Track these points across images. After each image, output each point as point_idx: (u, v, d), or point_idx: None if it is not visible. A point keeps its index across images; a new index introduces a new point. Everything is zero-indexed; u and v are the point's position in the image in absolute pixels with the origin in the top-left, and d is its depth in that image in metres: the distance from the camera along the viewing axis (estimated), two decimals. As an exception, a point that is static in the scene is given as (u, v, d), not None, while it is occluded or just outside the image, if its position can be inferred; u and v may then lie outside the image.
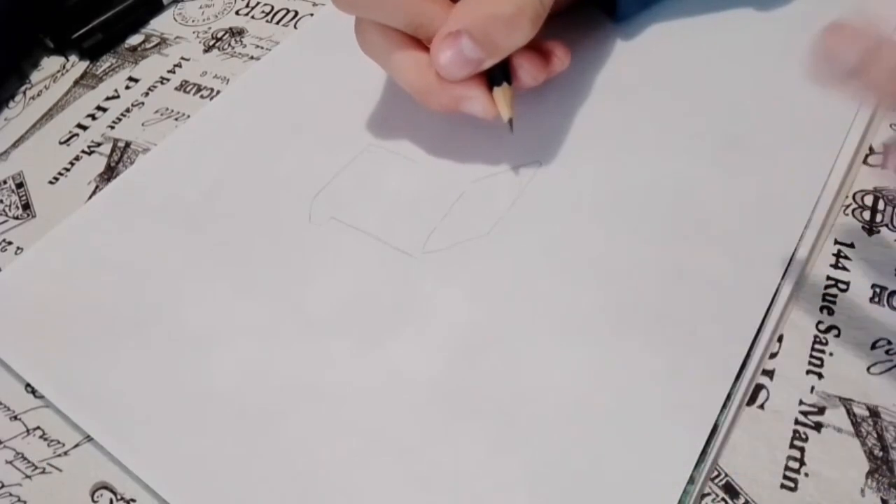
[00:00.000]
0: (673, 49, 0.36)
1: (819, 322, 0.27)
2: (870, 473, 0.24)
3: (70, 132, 0.40)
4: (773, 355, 0.27)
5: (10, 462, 0.28)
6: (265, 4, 0.45)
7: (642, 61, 0.36)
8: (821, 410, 0.25)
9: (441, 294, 0.29)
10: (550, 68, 0.31)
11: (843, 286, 0.28)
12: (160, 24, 0.45)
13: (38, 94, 0.42)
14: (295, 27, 0.43)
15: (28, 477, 0.28)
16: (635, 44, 0.36)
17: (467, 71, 0.29)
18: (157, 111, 0.40)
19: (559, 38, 0.31)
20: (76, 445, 0.28)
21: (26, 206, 0.37)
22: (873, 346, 0.26)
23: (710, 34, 0.36)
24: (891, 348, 0.26)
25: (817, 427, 0.25)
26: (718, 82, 0.34)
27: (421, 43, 0.30)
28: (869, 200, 0.30)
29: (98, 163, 0.38)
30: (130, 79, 0.42)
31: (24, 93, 0.43)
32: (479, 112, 0.30)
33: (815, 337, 0.27)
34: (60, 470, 0.28)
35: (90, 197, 0.36)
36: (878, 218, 0.30)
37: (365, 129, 0.35)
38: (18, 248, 0.35)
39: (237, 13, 0.45)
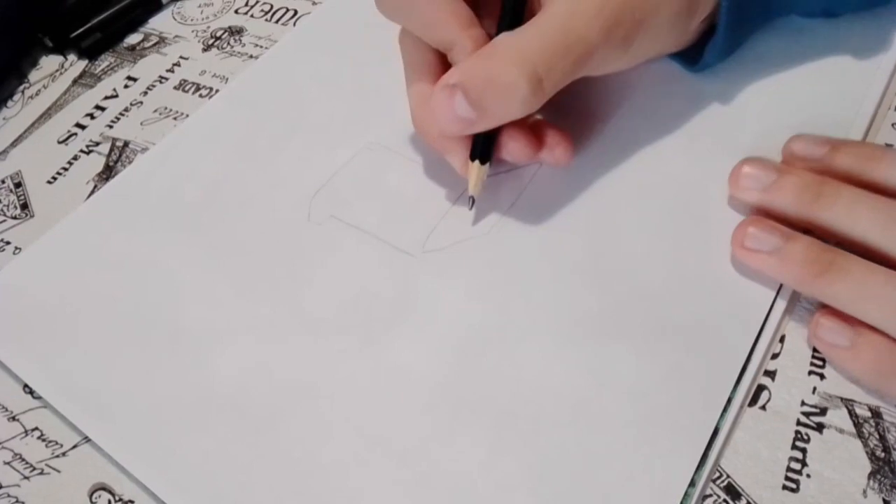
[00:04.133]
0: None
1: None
2: (872, 474, 0.24)
3: (68, 131, 0.40)
4: (774, 356, 0.27)
5: (9, 463, 0.28)
6: (264, 3, 0.45)
7: (646, 65, 0.35)
8: (823, 411, 0.25)
9: (441, 294, 0.29)
10: (540, 156, 0.29)
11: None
12: (159, 23, 0.45)
13: (37, 94, 0.42)
14: (294, 26, 0.43)
15: (26, 478, 0.27)
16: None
17: (458, 128, 0.27)
18: (155, 110, 0.40)
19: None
20: (74, 446, 0.28)
21: (25, 206, 0.36)
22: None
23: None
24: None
25: (819, 428, 0.25)
26: (719, 84, 0.34)
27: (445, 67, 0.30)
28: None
29: (97, 162, 0.38)
30: (129, 78, 0.42)
31: (23, 92, 0.43)
32: (456, 169, 0.30)
33: (817, 337, 0.27)
34: (59, 471, 0.28)
35: (89, 196, 0.36)
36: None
37: (364, 127, 0.35)
38: (17, 247, 0.35)
39: (236, 12, 0.45)
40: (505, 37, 0.27)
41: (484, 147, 0.29)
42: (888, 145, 0.31)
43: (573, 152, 0.30)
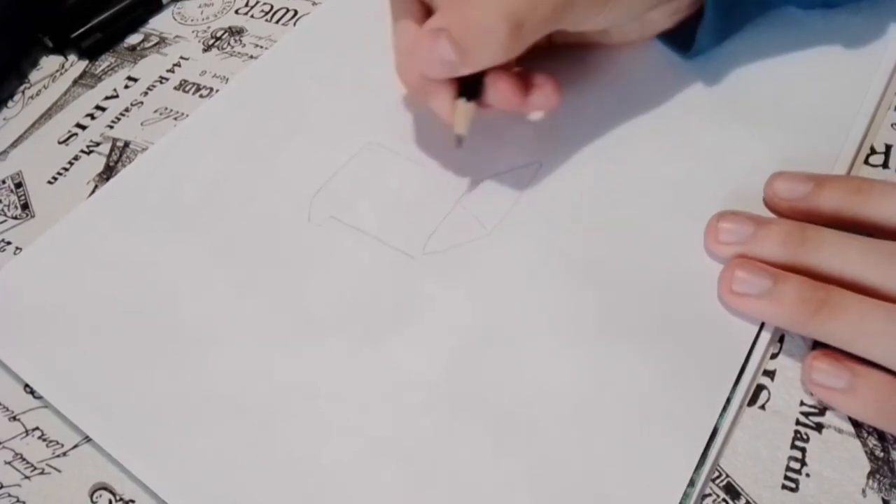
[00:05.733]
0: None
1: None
2: (871, 474, 0.24)
3: (69, 132, 0.40)
4: (774, 356, 0.27)
5: (9, 463, 0.28)
6: (264, 3, 0.45)
7: (644, 62, 0.36)
8: (822, 411, 0.25)
9: (441, 296, 0.29)
10: (529, 99, 0.30)
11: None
12: (159, 23, 0.45)
13: (37, 94, 0.42)
14: (294, 26, 0.43)
15: (27, 477, 0.28)
16: (638, 45, 0.36)
17: (442, 72, 0.28)
18: (156, 111, 0.40)
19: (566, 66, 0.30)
20: (75, 446, 0.28)
21: (25, 206, 0.36)
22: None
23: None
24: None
25: (818, 428, 0.25)
26: (720, 85, 0.34)
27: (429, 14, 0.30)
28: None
29: (97, 162, 0.38)
30: (129, 78, 0.42)
31: (23, 92, 0.43)
32: (437, 111, 0.30)
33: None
34: (59, 471, 0.28)
35: (89, 197, 0.36)
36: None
37: (364, 127, 0.35)
38: (17, 247, 0.35)
39: (236, 12, 0.45)
40: None
41: (470, 85, 0.29)
42: (887, 155, 0.32)
43: (560, 93, 0.30)
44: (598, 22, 0.29)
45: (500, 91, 0.29)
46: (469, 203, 0.32)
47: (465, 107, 0.29)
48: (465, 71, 0.28)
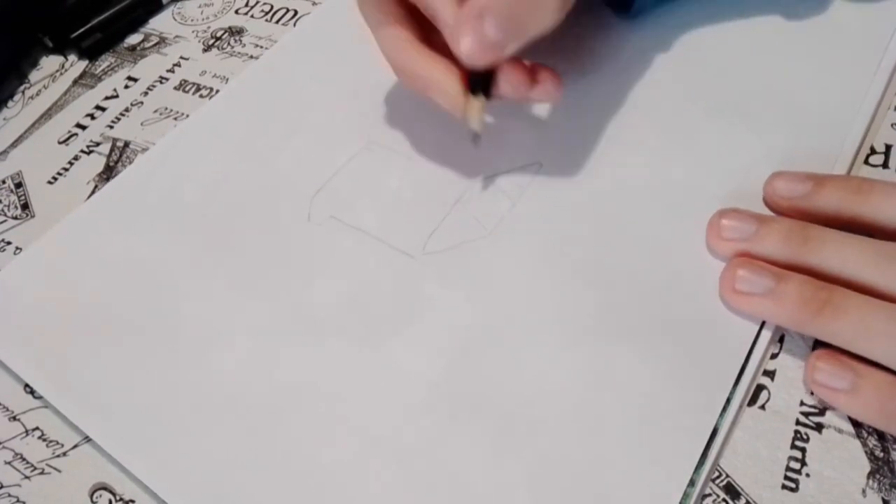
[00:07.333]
0: (675, 50, 0.36)
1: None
2: (871, 474, 0.24)
3: (69, 132, 0.40)
4: (774, 356, 0.27)
5: (9, 463, 0.28)
6: (264, 3, 0.45)
7: (644, 62, 0.36)
8: (822, 411, 0.25)
9: (441, 295, 0.29)
10: (535, 89, 0.29)
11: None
12: (159, 23, 0.45)
13: (37, 94, 0.42)
14: (294, 26, 0.43)
15: (27, 478, 0.28)
16: (638, 44, 0.36)
17: (490, 57, 0.26)
18: (156, 111, 0.40)
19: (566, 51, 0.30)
20: (75, 446, 0.28)
21: (25, 206, 0.36)
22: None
23: (715, 35, 0.36)
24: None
25: (818, 428, 0.25)
26: (720, 85, 0.34)
27: (411, 13, 0.29)
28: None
29: (97, 162, 0.38)
30: (129, 78, 0.42)
31: (23, 92, 0.43)
32: (444, 103, 0.29)
33: (817, 337, 0.27)
34: (59, 471, 0.28)
35: (89, 197, 0.36)
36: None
37: (364, 127, 0.35)
38: (17, 248, 0.35)
39: (236, 12, 0.45)
40: None
41: (484, 80, 0.28)
42: (887, 155, 0.32)
43: (561, 86, 0.29)
44: None
45: (510, 80, 0.28)
46: (469, 203, 0.32)
47: (478, 102, 0.28)
48: (511, 50, 0.27)
